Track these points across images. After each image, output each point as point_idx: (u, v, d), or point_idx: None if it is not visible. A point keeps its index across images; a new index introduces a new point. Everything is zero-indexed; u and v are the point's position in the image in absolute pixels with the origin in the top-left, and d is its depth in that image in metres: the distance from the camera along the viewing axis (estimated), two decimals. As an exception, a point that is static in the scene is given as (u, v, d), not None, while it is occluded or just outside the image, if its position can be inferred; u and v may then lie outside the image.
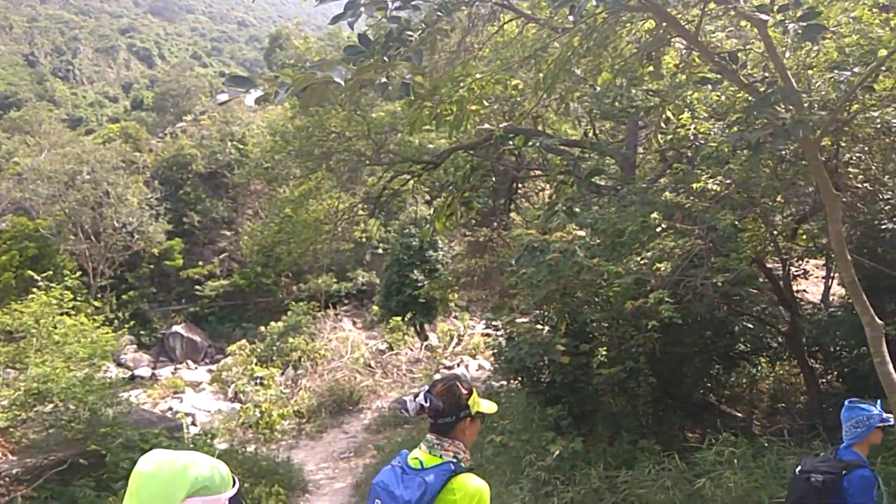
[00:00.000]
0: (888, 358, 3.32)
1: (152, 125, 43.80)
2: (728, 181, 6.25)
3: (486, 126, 8.18)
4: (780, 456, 6.39)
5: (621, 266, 6.80)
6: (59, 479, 7.58)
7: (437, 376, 16.66)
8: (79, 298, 11.29)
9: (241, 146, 30.41)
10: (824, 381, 9.45)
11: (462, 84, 3.97)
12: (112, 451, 8.03)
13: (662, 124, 7.56)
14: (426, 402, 2.63)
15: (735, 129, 5.22)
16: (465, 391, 2.67)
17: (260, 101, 2.24)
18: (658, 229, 6.47)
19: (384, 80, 2.43)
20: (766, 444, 6.96)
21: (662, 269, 6.24)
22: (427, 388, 2.71)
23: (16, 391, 8.35)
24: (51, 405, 8.49)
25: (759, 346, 9.55)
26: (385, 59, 2.53)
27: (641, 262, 6.74)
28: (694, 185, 6.19)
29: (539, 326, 8.57)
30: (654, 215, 6.40)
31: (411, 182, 15.58)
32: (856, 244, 7.39)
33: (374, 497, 2.62)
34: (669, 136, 7.36)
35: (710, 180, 6.18)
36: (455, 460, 2.59)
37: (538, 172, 17.26)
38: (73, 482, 7.66)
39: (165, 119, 45.71)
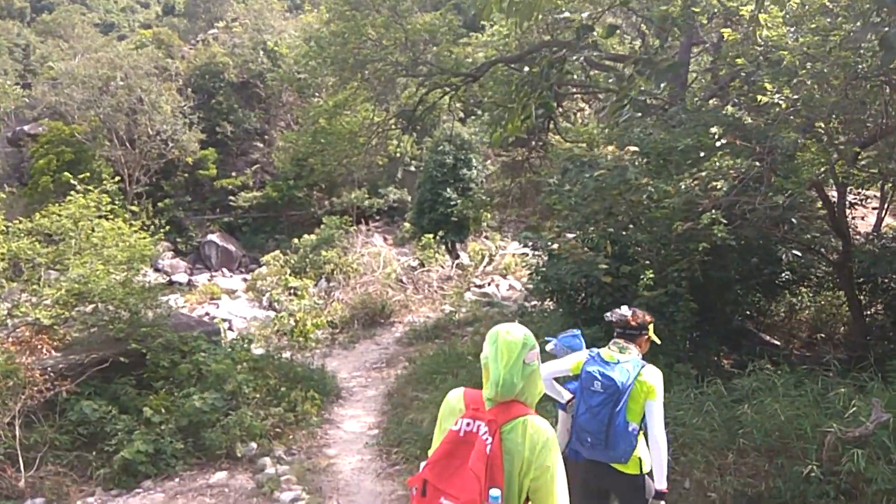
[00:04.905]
0: None
1: (184, 31, 42.85)
2: (795, 97, 5.81)
3: (565, 15, 7.66)
4: (823, 386, 6.22)
5: (671, 186, 6.50)
6: (101, 376, 7.74)
7: (469, 294, 16.74)
8: (116, 203, 11.23)
9: (274, 54, 29.72)
10: (868, 312, 9.20)
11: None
12: (153, 350, 8.17)
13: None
14: (624, 315, 3.78)
15: (811, 37, 4.79)
16: (649, 318, 3.86)
17: None
18: (718, 144, 6.08)
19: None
20: (809, 374, 6.78)
21: (718, 188, 5.93)
22: (625, 308, 3.86)
23: (57, 291, 8.47)
24: (91, 306, 8.61)
25: (803, 276, 9.26)
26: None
27: (693, 182, 6.43)
28: (759, 98, 5.77)
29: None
30: (714, 130, 6.01)
31: (447, 97, 15.13)
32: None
33: (592, 380, 3.51)
34: (733, 38, 6.76)
35: (777, 95, 5.75)
36: (639, 356, 3.67)
37: (578, 91, 16.62)
38: (114, 380, 7.84)
39: (197, 25, 44.73)
